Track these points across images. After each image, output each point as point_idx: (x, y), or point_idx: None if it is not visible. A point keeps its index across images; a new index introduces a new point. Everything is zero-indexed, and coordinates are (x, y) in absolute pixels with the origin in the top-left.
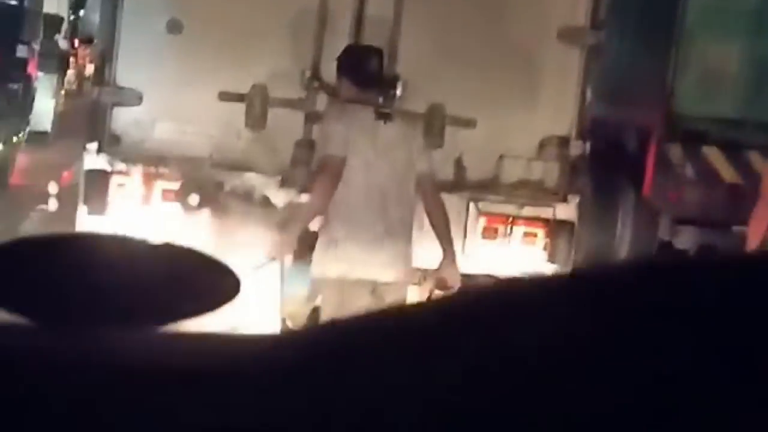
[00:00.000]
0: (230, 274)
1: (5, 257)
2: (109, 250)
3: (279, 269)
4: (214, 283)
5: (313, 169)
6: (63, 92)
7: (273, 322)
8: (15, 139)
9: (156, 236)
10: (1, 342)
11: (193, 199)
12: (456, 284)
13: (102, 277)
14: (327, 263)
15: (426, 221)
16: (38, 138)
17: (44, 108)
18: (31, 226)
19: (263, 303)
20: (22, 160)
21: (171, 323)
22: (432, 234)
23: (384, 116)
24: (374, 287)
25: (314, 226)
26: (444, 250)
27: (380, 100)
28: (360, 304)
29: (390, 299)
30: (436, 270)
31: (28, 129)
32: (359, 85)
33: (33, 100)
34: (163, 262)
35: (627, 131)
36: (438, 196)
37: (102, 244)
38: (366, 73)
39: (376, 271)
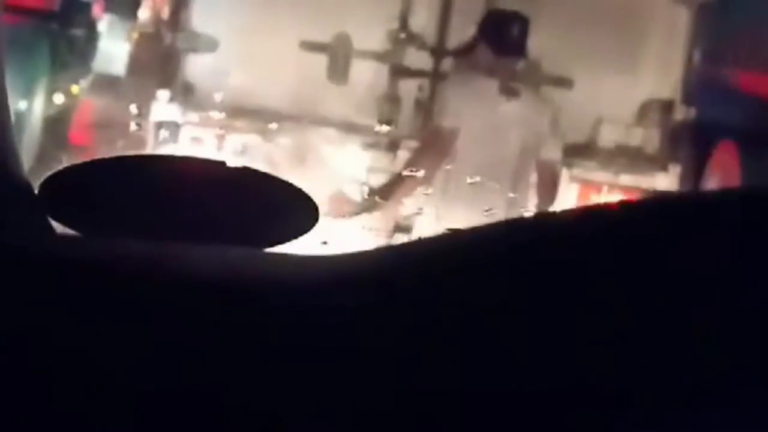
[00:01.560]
0: (310, 201)
1: (77, 176)
2: (191, 171)
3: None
4: (295, 209)
5: (424, 136)
6: (136, 35)
7: None
8: (76, 88)
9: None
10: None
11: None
12: None
13: (184, 199)
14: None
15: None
16: (111, 81)
17: (116, 51)
18: None
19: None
20: (91, 105)
21: (251, 247)
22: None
23: (509, 92)
24: None
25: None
26: None
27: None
28: None
29: None
30: None
31: (92, 75)
32: (497, 53)
33: (96, 46)
34: (244, 187)
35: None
36: (556, 189)
37: (183, 165)
38: (506, 41)
39: None
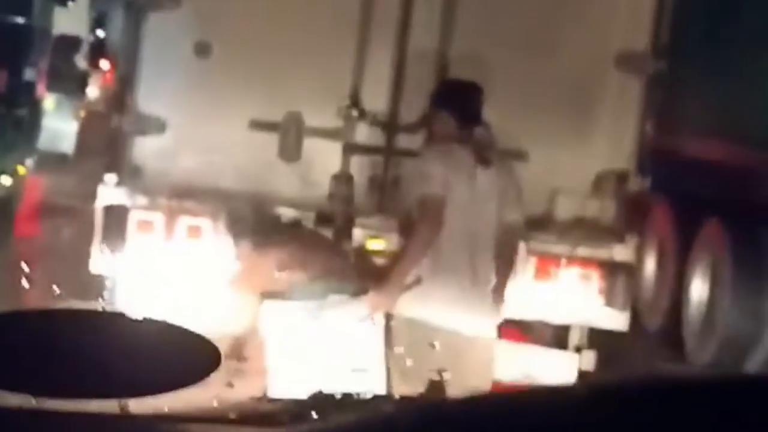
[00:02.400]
0: (211, 347)
1: None
2: (90, 324)
3: (383, 324)
4: (194, 356)
5: (409, 211)
6: (84, 114)
7: (379, 379)
8: (23, 169)
9: (178, 276)
10: None
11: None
12: None
13: (83, 352)
14: (409, 304)
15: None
16: (58, 158)
17: (63, 130)
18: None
19: (367, 359)
20: (38, 183)
21: (152, 396)
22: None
23: (484, 161)
24: (455, 338)
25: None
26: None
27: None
28: (435, 353)
29: (471, 354)
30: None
31: (37, 153)
32: (460, 123)
33: (40, 125)
34: (143, 337)
35: (703, 167)
36: (518, 248)
37: (84, 319)
38: (468, 110)
39: (462, 322)
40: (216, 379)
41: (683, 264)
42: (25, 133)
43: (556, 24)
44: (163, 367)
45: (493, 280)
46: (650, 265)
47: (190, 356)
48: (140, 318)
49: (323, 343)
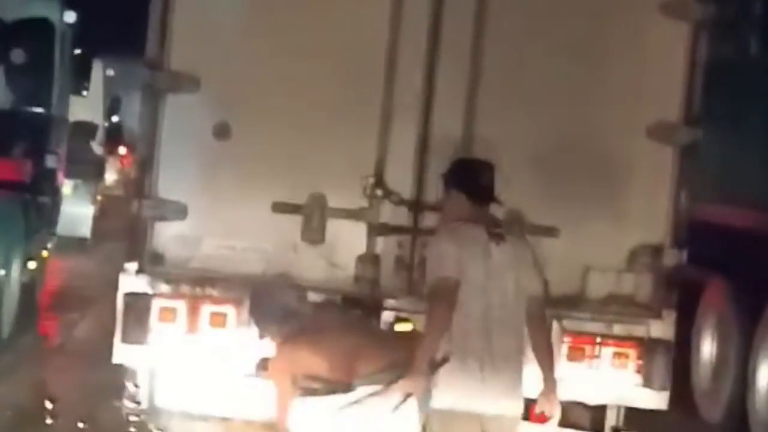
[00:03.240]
0: None
1: None
2: None
3: (416, 408)
4: None
5: (425, 293)
6: (101, 198)
7: None
8: (46, 253)
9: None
10: None
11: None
12: (555, 415)
13: None
14: (434, 394)
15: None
16: (77, 244)
17: (81, 214)
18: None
19: None
20: (58, 266)
21: None
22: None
23: (496, 237)
24: (483, 421)
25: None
26: (545, 379)
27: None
28: None
29: None
30: (535, 400)
31: (56, 238)
32: (473, 201)
33: (59, 210)
34: None
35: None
36: (545, 320)
37: None
38: (480, 188)
39: (487, 404)
40: None
41: (747, 348)
42: (47, 218)
43: (585, 97)
44: None
45: (524, 358)
46: (706, 350)
47: None
48: None
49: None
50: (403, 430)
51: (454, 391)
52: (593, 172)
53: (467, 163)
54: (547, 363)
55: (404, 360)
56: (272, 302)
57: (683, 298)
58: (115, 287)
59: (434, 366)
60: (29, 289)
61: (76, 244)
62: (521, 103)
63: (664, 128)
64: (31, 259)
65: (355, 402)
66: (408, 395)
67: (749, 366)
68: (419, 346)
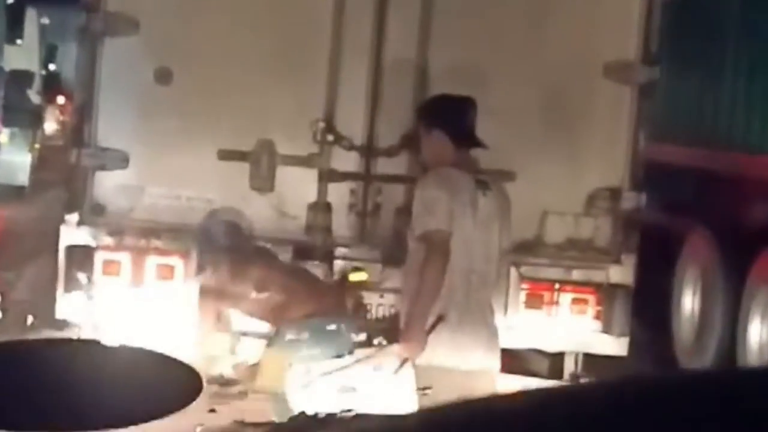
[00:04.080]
0: (192, 373)
1: None
2: (66, 354)
3: (412, 369)
4: (175, 383)
5: (425, 244)
6: (38, 147)
7: None
8: None
9: (148, 321)
10: None
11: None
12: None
13: (61, 382)
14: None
15: None
16: (14, 192)
17: (18, 162)
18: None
19: (401, 406)
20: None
21: (134, 425)
22: None
23: (483, 185)
24: (463, 376)
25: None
26: None
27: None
28: (454, 393)
29: (482, 388)
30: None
31: None
32: (457, 143)
33: None
34: (122, 365)
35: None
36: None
37: (59, 348)
38: (465, 129)
39: (476, 359)
40: (198, 405)
41: (735, 305)
42: None
43: (540, 34)
44: (143, 394)
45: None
46: (687, 304)
47: (171, 383)
48: (117, 345)
49: (355, 400)
50: (400, 395)
51: (434, 347)
52: (549, 113)
53: (450, 100)
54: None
55: (333, 308)
56: (210, 235)
57: (657, 245)
58: (55, 238)
59: (432, 325)
60: None
61: (14, 192)
62: (475, 40)
63: (621, 67)
64: None
65: (350, 367)
66: (405, 360)
67: (738, 324)
68: (416, 303)
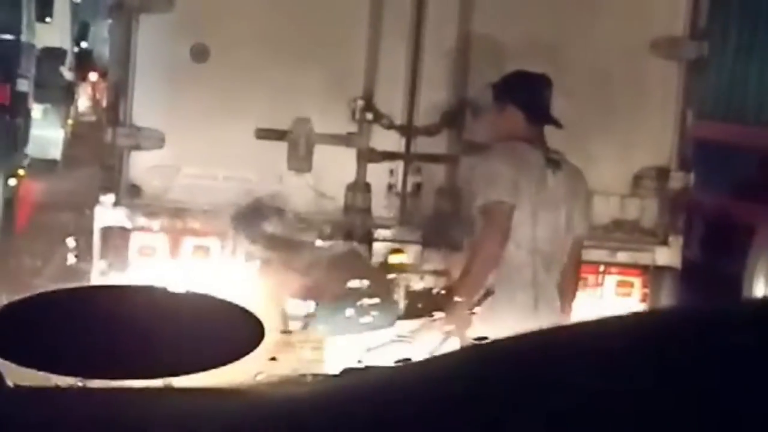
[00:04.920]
0: (254, 321)
1: (25, 311)
2: (130, 301)
3: (458, 344)
4: (238, 331)
5: (476, 217)
6: (72, 123)
7: None
8: (23, 171)
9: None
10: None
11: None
12: None
13: (124, 329)
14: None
15: None
16: (47, 166)
17: (51, 137)
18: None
19: None
20: (31, 187)
21: (196, 372)
22: None
23: (554, 163)
24: None
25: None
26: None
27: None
28: None
29: None
30: None
31: (28, 159)
32: (530, 119)
33: (29, 132)
34: (185, 311)
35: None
36: (580, 264)
37: (123, 295)
38: (540, 106)
39: None
40: (259, 353)
41: None
42: (21, 140)
43: (587, 11)
44: (207, 341)
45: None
46: (760, 286)
47: (235, 330)
48: (183, 292)
49: None
50: None
51: (481, 321)
52: (595, 91)
53: (527, 77)
54: (569, 305)
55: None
56: (252, 218)
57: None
58: (89, 218)
59: (479, 299)
60: (10, 204)
61: (46, 166)
62: (520, 20)
63: (668, 43)
64: (11, 176)
65: (396, 339)
66: (451, 331)
67: None
68: (467, 275)
